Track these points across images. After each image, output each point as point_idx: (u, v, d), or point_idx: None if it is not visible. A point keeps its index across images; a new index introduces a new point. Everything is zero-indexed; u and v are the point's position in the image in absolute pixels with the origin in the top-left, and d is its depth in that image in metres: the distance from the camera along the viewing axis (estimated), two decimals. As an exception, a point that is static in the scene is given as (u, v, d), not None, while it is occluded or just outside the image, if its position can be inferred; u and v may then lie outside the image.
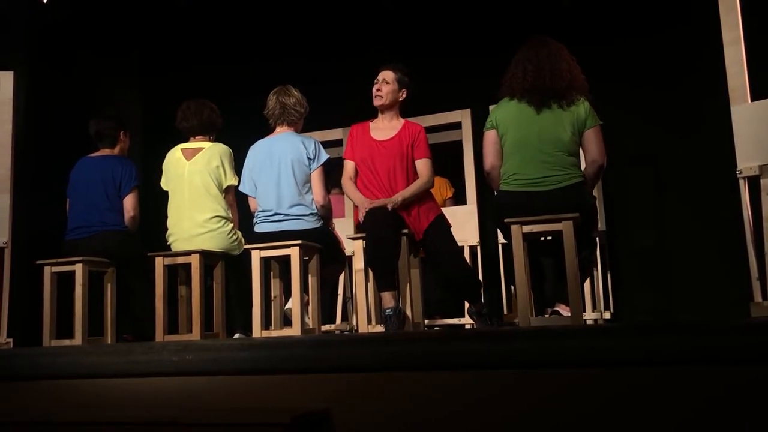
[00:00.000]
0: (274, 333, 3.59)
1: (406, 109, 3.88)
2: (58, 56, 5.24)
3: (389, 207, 3.50)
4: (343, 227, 4.90)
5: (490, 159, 3.46)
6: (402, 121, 3.79)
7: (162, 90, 5.71)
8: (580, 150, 3.38)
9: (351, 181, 3.75)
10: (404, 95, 3.77)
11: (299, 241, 3.55)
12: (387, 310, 3.38)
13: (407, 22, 5.74)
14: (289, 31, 5.96)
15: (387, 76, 3.74)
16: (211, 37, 6.02)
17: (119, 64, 5.75)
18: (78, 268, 3.88)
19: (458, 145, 5.45)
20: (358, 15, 5.72)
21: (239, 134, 4.17)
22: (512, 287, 4.41)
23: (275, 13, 5.83)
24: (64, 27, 5.26)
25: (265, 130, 3.99)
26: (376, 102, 3.75)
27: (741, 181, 3.08)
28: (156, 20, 5.80)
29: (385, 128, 3.76)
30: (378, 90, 3.74)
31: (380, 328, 3.57)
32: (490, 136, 3.46)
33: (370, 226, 3.51)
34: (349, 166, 3.78)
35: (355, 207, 3.82)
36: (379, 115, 3.81)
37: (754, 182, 3.06)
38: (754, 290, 3.01)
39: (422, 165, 3.69)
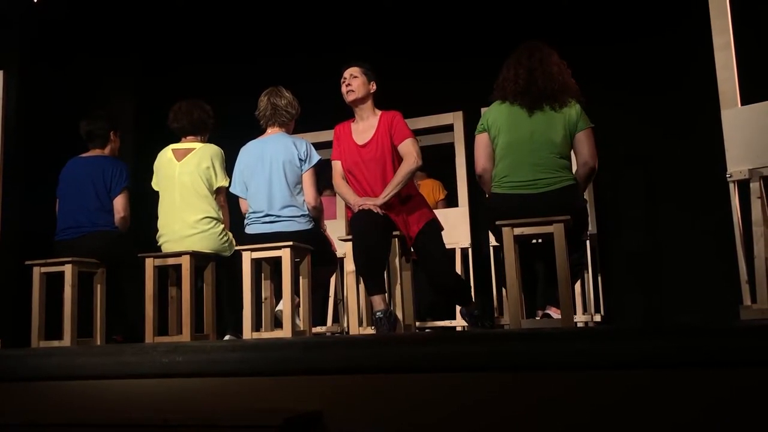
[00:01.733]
0: (265, 335, 3.58)
1: (399, 110, 3.86)
2: (54, 55, 5.22)
3: (374, 209, 3.48)
4: (335, 229, 4.90)
5: (481, 162, 3.47)
6: (378, 114, 3.73)
7: (155, 90, 5.69)
8: (572, 152, 3.40)
9: (343, 180, 3.72)
10: (374, 87, 3.75)
11: (290, 243, 3.54)
12: (377, 313, 3.38)
13: (400, 24, 5.74)
14: (283, 33, 5.96)
15: (353, 71, 3.73)
16: (206, 37, 6.01)
17: (113, 64, 5.73)
18: (67, 269, 3.86)
19: (450, 148, 5.45)
20: (353, 17, 5.73)
21: (233, 135, 4.17)
22: (504, 289, 4.42)
23: (269, 15, 5.82)
24: (60, 26, 5.24)
25: (258, 131, 3.98)
26: (350, 97, 3.70)
27: (731, 185, 3.10)
28: (151, 21, 5.78)
29: (364, 129, 3.70)
30: (348, 85, 3.70)
31: (371, 331, 3.56)
32: (481, 139, 3.47)
33: (357, 230, 3.49)
34: (337, 165, 3.76)
35: (347, 208, 3.81)
36: (356, 115, 3.76)
37: (743, 186, 3.07)
38: (744, 293, 3.02)
39: (403, 147, 3.61)
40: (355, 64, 3.76)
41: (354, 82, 3.70)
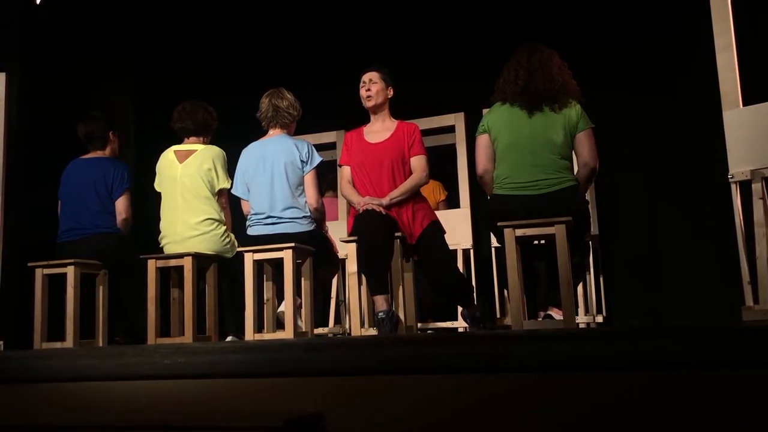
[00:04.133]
0: (267, 336, 3.58)
1: (400, 111, 3.88)
2: (53, 57, 5.23)
3: (378, 209, 3.49)
4: (337, 230, 4.89)
5: (482, 163, 3.47)
6: (395, 121, 3.80)
7: (156, 91, 5.70)
8: (573, 153, 3.40)
9: (350, 184, 3.75)
10: (392, 93, 3.80)
11: (292, 244, 3.55)
12: (380, 314, 3.38)
13: (401, 26, 5.74)
14: (283, 34, 5.97)
15: (373, 76, 3.76)
16: (206, 39, 6.01)
17: (113, 65, 5.74)
18: (70, 271, 3.87)
19: (452, 149, 5.45)
20: (352, 18, 5.73)
21: (234, 137, 4.17)
22: (505, 291, 4.41)
23: (269, 16, 5.83)
24: (59, 28, 5.25)
25: (259, 132, 3.99)
26: (368, 103, 3.75)
27: (732, 186, 3.10)
28: (150, 22, 5.79)
29: (379, 131, 3.76)
30: (367, 91, 3.75)
31: (373, 331, 3.56)
32: (482, 140, 3.48)
33: (361, 230, 3.50)
34: (345, 170, 3.79)
35: (350, 209, 3.82)
36: (372, 118, 3.82)
37: (745, 187, 3.07)
38: (746, 294, 3.02)
39: (416, 161, 3.69)
40: (374, 68, 3.79)
41: (373, 88, 3.74)
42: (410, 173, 3.68)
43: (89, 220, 4.06)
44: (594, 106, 3.47)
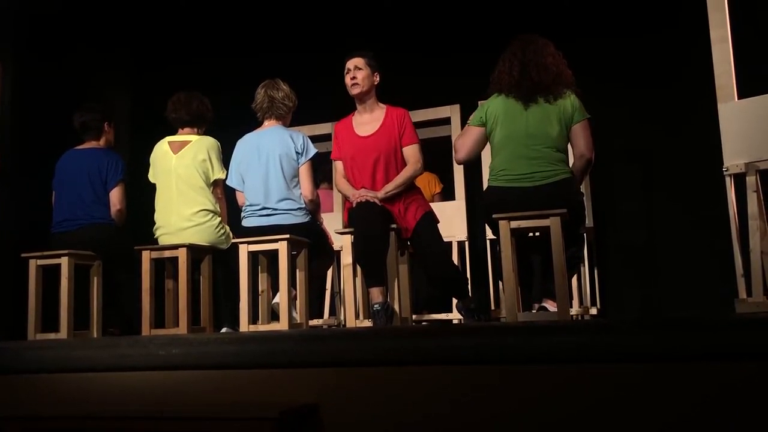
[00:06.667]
0: (262, 327, 3.58)
1: (395, 103, 3.86)
2: (48, 49, 5.19)
3: (373, 200, 3.48)
4: (332, 222, 4.89)
5: (464, 153, 3.49)
6: (384, 107, 3.74)
7: (151, 84, 5.68)
8: (569, 146, 3.40)
9: (344, 179, 3.74)
10: (378, 78, 3.74)
11: (287, 236, 3.54)
12: (375, 306, 3.38)
13: (397, 17, 5.73)
14: (279, 26, 5.95)
15: (357, 62, 3.70)
16: (202, 31, 5.99)
17: (109, 58, 5.71)
18: (64, 262, 3.86)
19: (447, 141, 5.45)
20: (348, 9, 5.71)
21: (229, 128, 4.16)
22: (500, 283, 4.42)
23: (265, 7, 5.81)
24: (55, 20, 5.21)
25: (254, 124, 3.97)
26: (354, 91, 3.69)
27: (727, 179, 3.10)
28: (146, 14, 5.76)
29: (368, 122, 3.72)
30: (353, 78, 3.68)
31: (368, 323, 3.57)
32: (474, 132, 3.46)
33: (358, 222, 3.49)
34: (339, 165, 3.77)
35: (345, 202, 3.81)
36: (359, 106, 3.75)
37: (740, 179, 3.08)
38: (739, 287, 3.03)
39: (409, 151, 3.65)
40: (358, 54, 3.72)
41: (359, 75, 3.68)
42: (403, 163, 3.66)
43: (83, 210, 4.05)
44: (591, 99, 3.47)
